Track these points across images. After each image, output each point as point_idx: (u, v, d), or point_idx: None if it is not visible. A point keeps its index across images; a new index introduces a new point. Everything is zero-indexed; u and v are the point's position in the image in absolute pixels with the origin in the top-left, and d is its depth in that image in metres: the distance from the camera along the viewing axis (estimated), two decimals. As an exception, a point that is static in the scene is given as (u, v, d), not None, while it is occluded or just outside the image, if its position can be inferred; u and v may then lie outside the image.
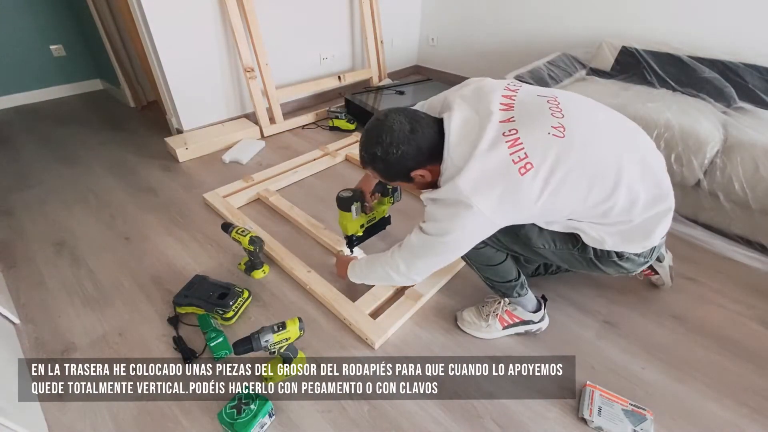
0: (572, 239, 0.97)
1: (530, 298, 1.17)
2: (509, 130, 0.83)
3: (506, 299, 1.17)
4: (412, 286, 1.30)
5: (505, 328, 1.17)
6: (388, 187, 1.33)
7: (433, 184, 0.99)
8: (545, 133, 0.83)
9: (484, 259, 1.07)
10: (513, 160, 0.81)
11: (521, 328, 1.18)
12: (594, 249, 0.96)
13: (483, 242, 0.99)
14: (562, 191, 0.83)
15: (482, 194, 0.82)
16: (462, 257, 1.04)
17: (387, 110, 0.93)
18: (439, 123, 0.91)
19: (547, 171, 0.81)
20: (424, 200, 0.96)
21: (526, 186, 0.81)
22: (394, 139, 0.88)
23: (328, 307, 1.26)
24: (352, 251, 1.39)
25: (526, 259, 1.26)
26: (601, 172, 0.85)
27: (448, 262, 1.01)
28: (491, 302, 1.20)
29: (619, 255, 0.96)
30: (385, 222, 1.44)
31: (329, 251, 1.50)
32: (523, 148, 0.81)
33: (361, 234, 1.36)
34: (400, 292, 1.30)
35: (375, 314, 1.21)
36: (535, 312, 1.17)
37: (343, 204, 1.25)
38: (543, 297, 1.22)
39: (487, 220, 0.85)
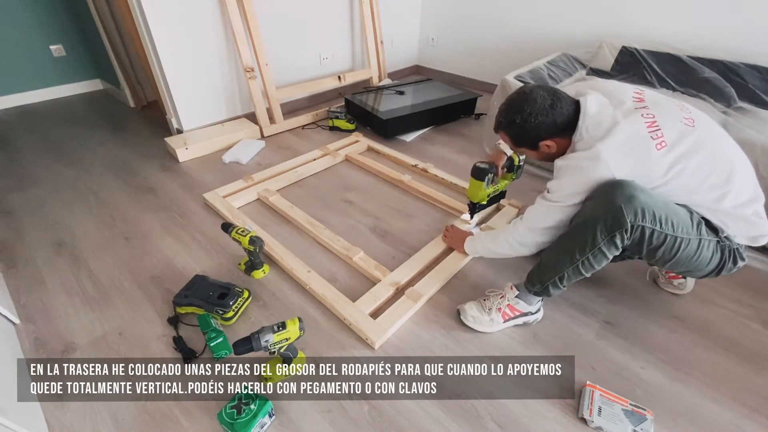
0: (714, 229, 1.00)
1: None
2: (646, 113, 0.95)
3: (511, 293, 1.20)
4: (411, 286, 1.30)
5: (506, 321, 1.20)
6: (515, 164, 1.47)
7: (554, 157, 1.08)
8: (678, 121, 0.95)
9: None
10: (651, 137, 0.92)
11: (520, 320, 1.21)
12: (727, 237, 1.00)
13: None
14: (686, 171, 0.93)
15: (617, 160, 0.93)
16: (574, 260, 1.05)
17: (533, 84, 1.08)
18: (576, 103, 1.02)
19: (680, 152, 0.92)
20: (556, 165, 1.04)
21: (656, 160, 0.92)
22: (534, 110, 1.00)
23: (328, 307, 1.26)
24: (472, 217, 1.57)
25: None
26: (721, 163, 0.95)
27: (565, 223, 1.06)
28: (493, 296, 1.22)
29: (739, 253, 1.02)
30: (501, 195, 1.60)
31: (328, 250, 1.50)
32: (659, 128, 0.93)
33: (485, 203, 1.52)
34: (400, 292, 1.31)
35: (375, 314, 1.21)
36: (533, 303, 1.20)
37: (480, 174, 1.39)
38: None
39: (605, 166, 0.93)
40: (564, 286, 1.11)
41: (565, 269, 1.07)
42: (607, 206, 0.92)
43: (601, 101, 1.01)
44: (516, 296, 1.19)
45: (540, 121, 1.01)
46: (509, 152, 1.45)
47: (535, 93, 1.02)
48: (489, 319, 1.19)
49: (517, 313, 1.20)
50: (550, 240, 1.12)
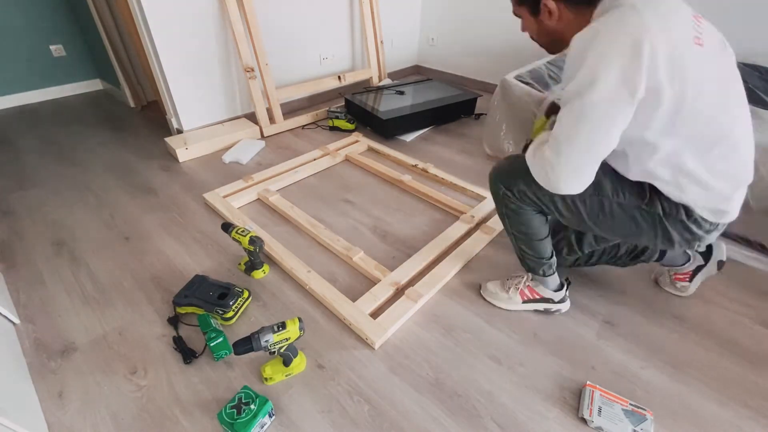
0: (642, 194, 0.94)
1: (554, 278, 1.22)
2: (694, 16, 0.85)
3: (530, 275, 1.23)
4: (411, 286, 1.30)
5: (524, 302, 1.24)
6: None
7: (557, 40, 0.93)
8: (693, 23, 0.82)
9: (531, 232, 1.12)
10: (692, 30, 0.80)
11: (540, 305, 1.24)
12: (663, 206, 0.92)
13: (540, 207, 1.04)
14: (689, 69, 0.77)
15: (655, 37, 0.73)
16: (507, 227, 1.15)
17: None
18: None
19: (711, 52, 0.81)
20: (573, 49, 0.82)
21: (702, 50, 0.78)
22: None
23: (328, 307, 1.26)
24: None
25: (569, 247, 1.23)
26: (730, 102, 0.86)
27: (596, 142, 0.82)
28: (515, 277, 1.26)
29: (689, 213, 0.91)
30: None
31: (328, 250, 1.50)
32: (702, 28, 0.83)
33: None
34: (400, 292, 1.31)
35: (375, 314, 1.21)
36: (555, 291, 1.22)
37: (554, 109, 1.16)
38: (567, 280, 1.26)
39: (633, 43, 0.73)
40: (530, 256, 1.17)
41: (517, 243, 1.17)
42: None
43: None
44: (533, 278, 1.23)
45: None
46: (552, 96, 1.30)
47: None
48: (507, 297, 1.24)
49: (537, 296, 1.23)
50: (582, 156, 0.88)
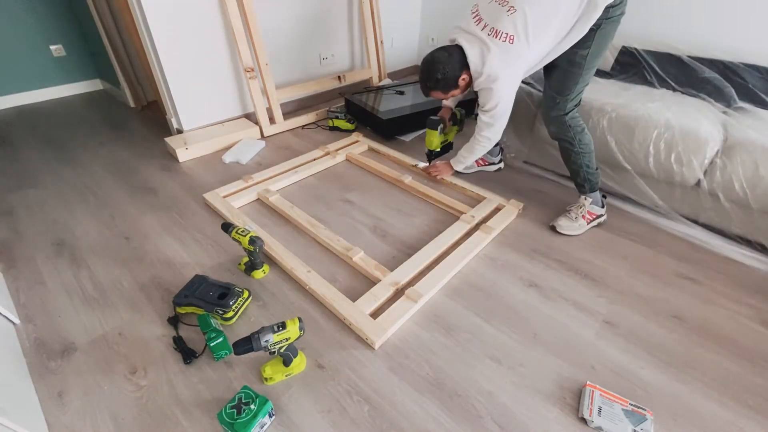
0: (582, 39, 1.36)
1: (598, 194, 1.61)
2: (491, 29, 1.35)
3: (586, 198, 1.59)
4: (411, 286, 1.30)
5: (588, 223, 1.60)
6: (458, 118, 1.91)
7: (468, 86, 1.52)
8: (506, 16, 1.32)
9: (588, 146, 1.52)
10: (503, 40, 1.33)
11: (596, 222, 1.62)
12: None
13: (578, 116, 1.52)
14: (538, 31, 1.30)
15: (501, 69, 1.37)
16: (574, 154, 1.53)
17: (428, 54, 1.49)
18: (458, 47, 1.42)
19: (521, 27, 1.30)
20: (478, 90, 1.49)
21: (517, 47, 1.33)
22: (443, 64, 1.44)
23: (328, 307, 1.26)
24: (430, 163, 1.95)
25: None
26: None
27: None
28: (574, 208, 1.61)
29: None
30: (450, 146, 1.98)
31: (328, 250, 1.50)
32: (502, 32, 1.33)
33: (438, 150, 1.89)
34: (400, 292, 1.31)
35: (375, 314, 1.21)
36: (602, 207, 1.62)
37: (433, 124, 1.80)
38: (603, 195, 1.65)
39: (514, 78, 1.42)
40: (596, 169, 1.58)
41: (579, 159, 1.54)
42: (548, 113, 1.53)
43: (468, 39, 1.40)
44: (591, 203, 1.59)
45: (451, 67, 1.43)
46: (452, 105, 1.86)
47: (435, 55, 1.45)
48: (577, 225, 1.59)
49: (594, 216, 1.60)
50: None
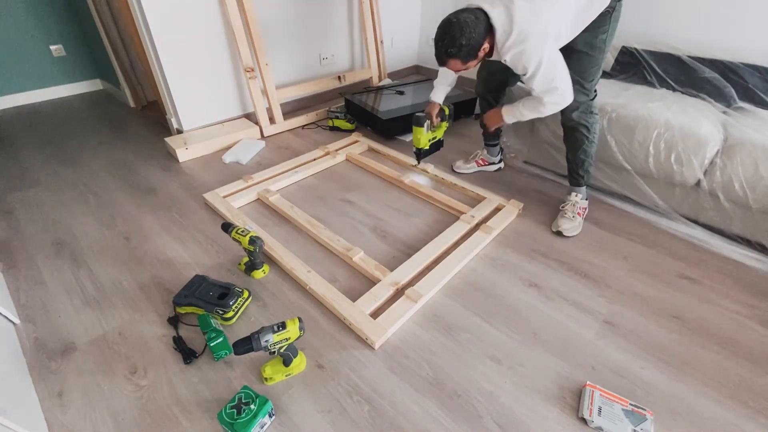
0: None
1: (585, 188, 1.66)
2: None
3: (577, 194, 1.64)
4: (411, 286, 1.30)
5: (582, 217, 1.64)
6: (446, 113, 1.80)
7: (488, 54, 1.37)
8: None
9: (597, 136, 1.55)
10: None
11: (584, 214, 1.66)
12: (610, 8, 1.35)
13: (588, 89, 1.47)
14: None
15: (532, 23, 1.25)
16: (587, 142, 1.54)
17: (449, 15, 1.30)
18: (479, 10, 1.28)
19: None
20: (510, 61, 1.33)
21: (542, 3, 1.25)
22: (469, 29, 1.25)
23: (328, 308, 1.26)
24: (419, 163, 1.87)
25: None
26: None
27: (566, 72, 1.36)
28: (569, 207, 1.63)
29: None
30: (440, 144, 1.90)
31: (328, 250, 1.50)
32: None
33: (427, 148, 1.80)
34: (400, 292, 1.31)
35: (375, 314, 1.21)
36: (587, 199, 1.68)
37: (419, 121, 1.69)
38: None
39: (543, 35, 1.27)
40: (590, 162, 1.60)
41: (589, 148, 1.55)
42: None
43: (491, 1, 1.28)
44: (582, 197, 1.64)
45: (478, 32, 1.26)
46: (440, 100, 1.73)
47: (461, 17, 1.26)
48: (577, 223, 1.60)
49: (584, 209, 1.65)
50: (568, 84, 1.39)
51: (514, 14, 1.25)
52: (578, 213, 1.62)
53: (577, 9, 1.30)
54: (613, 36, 1.41)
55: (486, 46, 1.32)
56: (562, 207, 1.65)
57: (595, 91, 1.51)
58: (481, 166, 2.00)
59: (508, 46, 1.29)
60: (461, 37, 1.27)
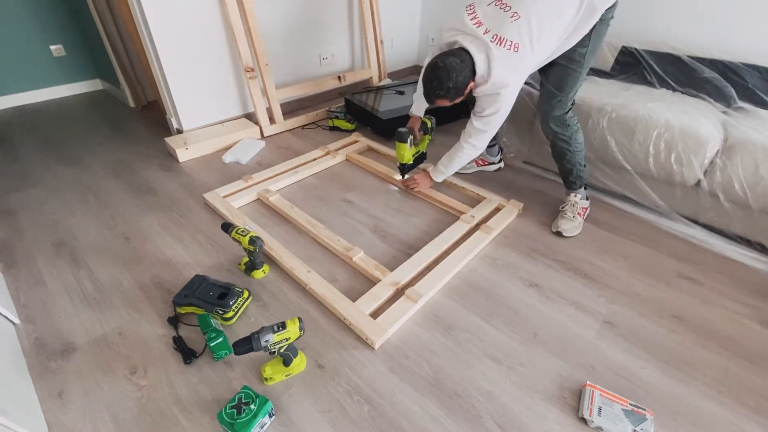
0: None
1: (584, 189, 1.67)
2: (493, 36, 1.29)
3: (576, 194, 1.64)
4: (411, 286, 1.30)
5: (582, 217, 1.65)
6: (429, 126, 1.84)
7: (470, 92, 1.42)
8: (509, 22, 1.28)
9: (581, 144, 1.57)
10: (508, 48, 1.28)
11: (585, 214, 1.68)
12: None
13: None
14: (542, 38, 1.29)
15: (508, 76, 1.33)
16: (569, 153, 1.56)
17: (436, 58, 1.35)
18: (466, 51, 1.33)
19: (526, 34, 1.28)
20: (478, 96, 1.43)
21: (522, 54, 1.30)
22: (455, 72, 1.31)
23: (328, 308, 1.26)
24: (404, 177, 1.87)
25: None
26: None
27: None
28: (568, 208, 1.63)
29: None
30: (423, 157, 1.94)
31: (328, 250, 1.50)
32: (507, 39, 1.28)
33: (411, 162, 1.83)
34: (400, 292, 1.31)
35: (375, 314, 1.21)
36: (587, 199, 1.69)
37: (402, 137, 1.72)
38: (585, 186, 1.69)
39: (519, 85, 1.38)
40: (584, 166, 1.62)
41: (573, 158, 1.57)
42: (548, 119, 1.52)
43: (474, 44, 1.32)
44: (581, 198, 1.64)
45: (464, 75, 1.33)
46: (421, 114, 1.78)
47: (448, 62, 1.32)
48: (577, 223, 1.61)
49: (585, 210, 1.67)
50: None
51: (492, 68, 1.31)
52: (578, 213, 1.62)
53: (558, 43, 1.36)
54: (594, 52, 1.42)
55: (472, 84, 1.38)
56: (562, 208, 1.65)
57: (573, 103, 1.52)
58: (481, 165, 2.01)
59: (483, 90, 1.38)
60: (448, 80, 1.32)
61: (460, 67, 1.31)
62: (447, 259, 1.41)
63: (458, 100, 1.42)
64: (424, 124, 1.82)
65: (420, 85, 1.53)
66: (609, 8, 1.33)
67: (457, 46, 1.35)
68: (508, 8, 1.29)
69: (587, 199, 1.69)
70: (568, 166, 1.59)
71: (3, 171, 2.00)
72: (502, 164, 2.03)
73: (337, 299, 1.24)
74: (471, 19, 1.33)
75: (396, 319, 1.19)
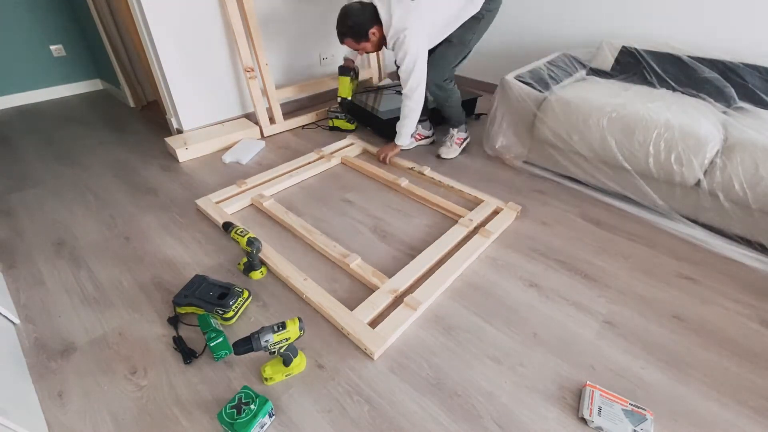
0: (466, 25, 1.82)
1: (464, 125, 2.15)
2: None
3: (455, 129, 2.12)
4: (410, 293, 1.29)
5: (459, 146, 2.14)
6: (356, 72, 2.19)
7: (380, 42, 1.81)
8: None
9: (457, 100, 2.05)
10: (405, 2, 1.69)
11: (464, 144, 2.17)
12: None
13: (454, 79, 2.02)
14: (435, 5, 1.72)
15: (406, 20, 1.69)
16: (446, 107, 2.06)
17: (346, 4, 1.75)
18: (370, 4, 1.74)
19: None
20: (391, 45, 1.78)
21: (417, 4, 1.69)
22: (355, 14, 1.73)
23: (325, 317, 1.23)
24: (345, 114, 2.37)
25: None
26: None
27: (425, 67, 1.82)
28: (448, 138, 2.14)
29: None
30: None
31: (323, 255, 1.49)
32: None
33: (350, 98, 2.20)
34: (398, 299, 1.28)
35: (374, 323, 1.18)
36: (466, 132, 2.17)
37: (345, 71, 2.12)
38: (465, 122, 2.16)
39: (419, 31, 1.71)
40: (459, 112, 2.10)
41: (451, 110, 2.07)
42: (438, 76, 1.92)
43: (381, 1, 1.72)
44: (458, 131, 2.12)
45: (363, 18, 1.72)
46: (354, 58, 2.14)
47: (350, 6, 1.73)
48: (453, 149, 2.11)
49: (461, 140, 2.15)
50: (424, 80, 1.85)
51: (393, 13, 1.68)
52: (456, 143, 2.10)
53: (446, 18, 1.74)
54: (479, 38, 1.86)
55: (375, 31, 1.74)
56: (443, 139, 2.17)
57: (453, 70, 1.95)
58: (419, 140, 2.25)
59: (390, 38, 1.73)
60: (347, 20, 1.73)
61: (359, 11, 1.72)
62: (445, 265, 1.38)
63: (366, 46, 1.80)
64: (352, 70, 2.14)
65: None
66: (488, 1, 1.75)
67: (367, 1, 1.75)
68: None
69: (465, 132, 2.15)
70: (449, 112, 2.06)
71: (3, 171, 2.00)
72: (434, 137, 2.29)
73: (335, 308, 1.21)
74: None
75: (395, 327, 1.16)
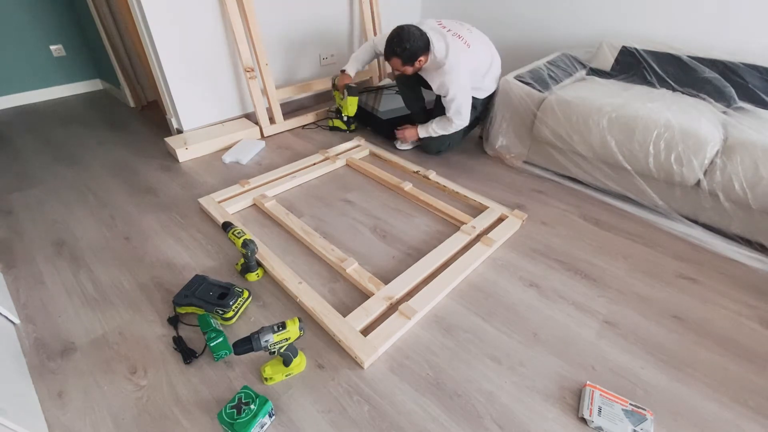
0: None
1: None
2: (454, 33, 1.83)
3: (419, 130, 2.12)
4: (405, 301, 1.29)
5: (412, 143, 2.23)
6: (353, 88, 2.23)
7: (419, 69, 1.88)
8: (465, 30, 1.89)
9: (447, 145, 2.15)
10: (463, 43, 1.83)
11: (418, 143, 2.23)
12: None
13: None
14: (479, 48, 1.90)
15: (459, 61, 1.79)
16: (438, 147, 2.13)
17: (400, 26, 1.78)
18: (424, 34, 1.77)
19: (473, 43, 1.86)
20: (436, 78, 1.85)
21: (469, 51, 1.84)
22: (413, 39, 1.74)
23: (317, 322, 1.21)
24: (349, 128, 2.39)
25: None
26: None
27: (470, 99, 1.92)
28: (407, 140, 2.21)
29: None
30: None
31: (320, 257, 1.49)
32: (464, 37, 1.84)
33: (353, 116, 2.34)
34: (393, 307, 1.25)
35: (366, 330, 1.15)
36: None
37: (354, 92, 2.21)
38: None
39: (465, 72, 1.83)
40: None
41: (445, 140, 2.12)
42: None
43: (434, 30, 1.82)
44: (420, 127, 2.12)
45: (418, 45, 1.74)
46: (352, 74, 2.16)
47: (411, 29, 1.74)
48: (409, 143, 2.20)
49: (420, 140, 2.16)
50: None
51: (449, 52, 1.76)
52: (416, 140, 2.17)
53: (475, 74, 1.89)
54: (479, 111, 2.05)
55: (422, 59, 1.79)
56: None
57: (448, 146, 2.15)
58: (419, 141, 2.27)
59: (438, 72, 1.80)
60: (405, 43, 1.73)
61: (418, 37, 1.73)
62: (443, 274, 1.34)
63: (407, 69, 1.83)
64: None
65: (360, 48, 2.13)
66: (485, 98, 2.02)
67: (422, 29, 1.79)
68: (464, 24, 1.91)
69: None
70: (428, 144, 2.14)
71: (3, 171, 2.00)
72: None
73: (328, 314, 1.18)
74: (437, 23, 1.86)
75: (388, 336, 1.13)
